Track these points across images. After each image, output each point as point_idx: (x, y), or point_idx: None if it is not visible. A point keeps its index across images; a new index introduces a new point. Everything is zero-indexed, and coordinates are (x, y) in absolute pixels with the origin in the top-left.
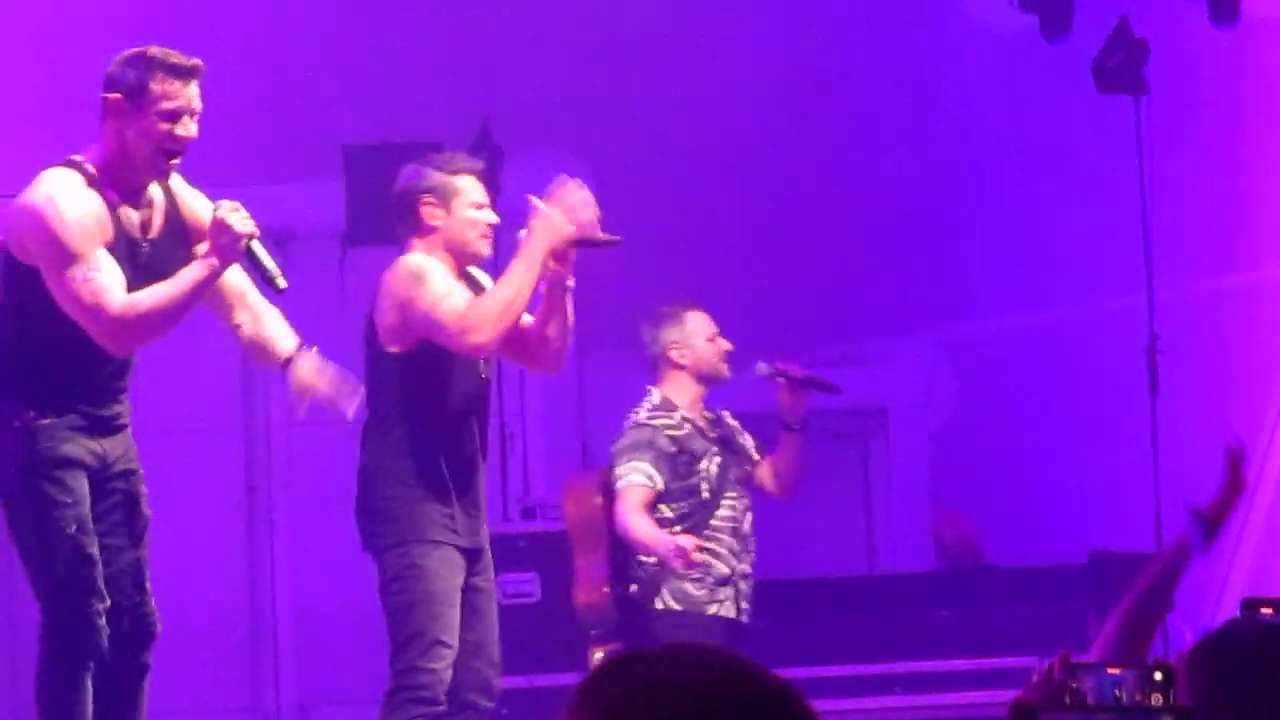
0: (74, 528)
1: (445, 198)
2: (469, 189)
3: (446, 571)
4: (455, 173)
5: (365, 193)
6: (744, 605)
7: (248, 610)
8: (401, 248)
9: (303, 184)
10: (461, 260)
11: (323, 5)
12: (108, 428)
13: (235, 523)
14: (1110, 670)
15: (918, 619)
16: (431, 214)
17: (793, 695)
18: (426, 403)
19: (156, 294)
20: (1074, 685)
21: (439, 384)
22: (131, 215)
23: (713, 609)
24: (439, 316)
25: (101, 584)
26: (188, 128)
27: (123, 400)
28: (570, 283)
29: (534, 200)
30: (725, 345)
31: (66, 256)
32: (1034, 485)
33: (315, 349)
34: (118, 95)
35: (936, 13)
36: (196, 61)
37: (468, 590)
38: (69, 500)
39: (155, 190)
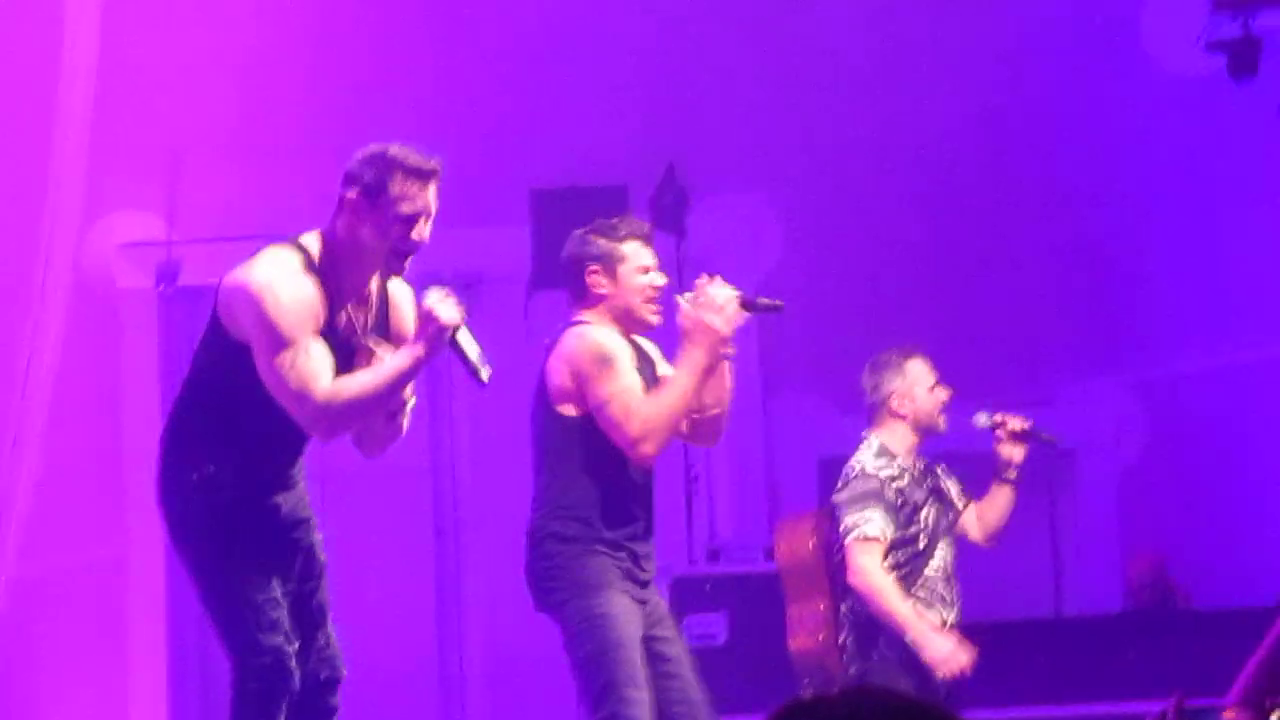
0: (256, 574)
1: (611, 266)
2: (635, 254)
3: (627, 618)
4: (621, 239)
5: (552, 237)
6: None
7: (436, 652)
8: (568, 313)
9: (490, 229)
10: (629, 327)
11: (511, 53)
12: (284, 487)
13: (424, 565)
14: (1225, 714)
15: (1106, 661)
16: (598, 283)
17: None
18: (595, 465)
19: (360, 381)
20: None
21: (609, 447)
22: (347, 308)
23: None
24: (613, 415)
25: (288, 627)
26: (422, 231)
27: (300, 462)
28: (730, 350)
29: (683, 303)
30: (944, 395)
31: (278, 340)
32: (1226, 527)
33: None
34: (356, 192)
35: (1124, 57)
36: (436, 164)
37: (655, 643)
38: (249, 548)
39: (372, 283)
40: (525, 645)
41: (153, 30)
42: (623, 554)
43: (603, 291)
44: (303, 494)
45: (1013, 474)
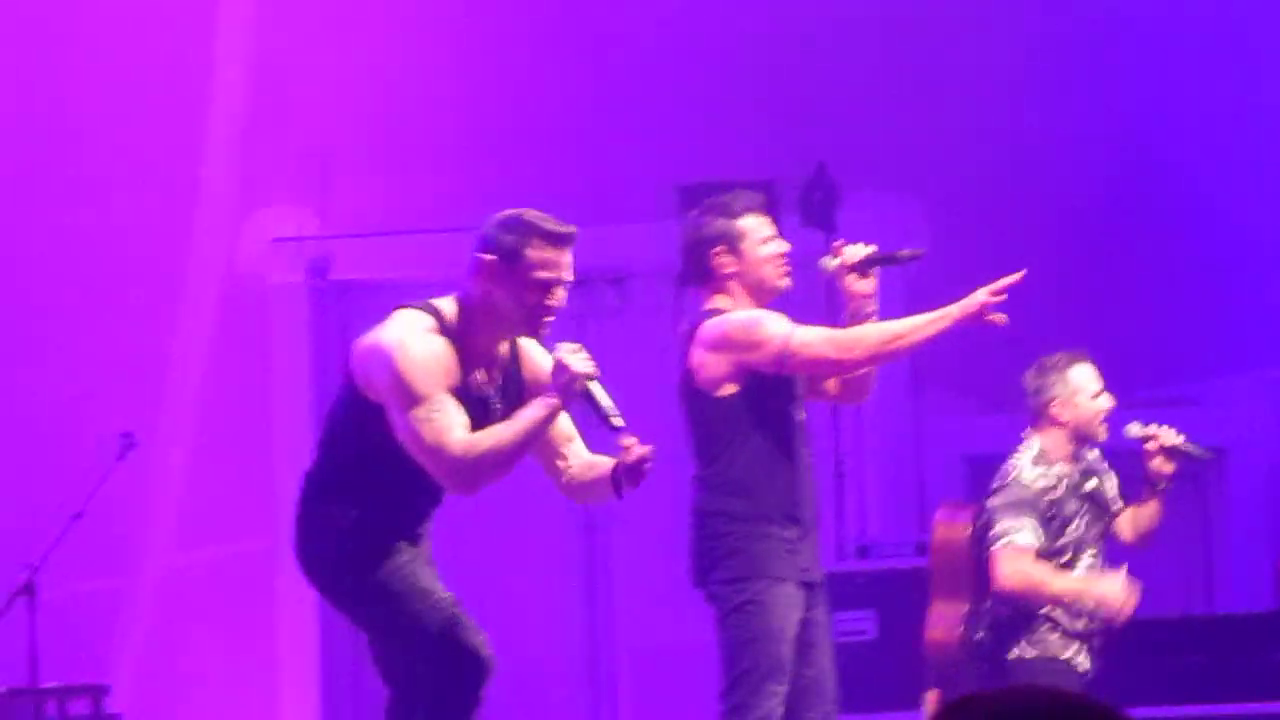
0: (409, 579)
1: (734, 243)
2: (755, 227)
3: (784, 608)
4: (737, 214)
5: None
6: (1096, 661)
7: (586, 645)
8: (697, 301)
9: (639, 224)
10: (761, 300)
11: (659, 50)
12: (412, 543)
13: (575, 559)
14: None
15: (1258, 659)
16: (724, 263)
17: None
18: (758, 442)
19: (495, 434)
20: None
21: (769, 422)
22: (479, 370)
23: (1066, 654)
24: (800, 347)
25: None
26: (558, 297)
27: (428, 525)
28: (873, 307)
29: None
30: (1106, 404)
31: (413, 397)
32: None
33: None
34: (493, 257)
35: (1258, 73)
36: (572, 229)
37: (805, 625)
38: (394, 562)
39: (502, 344)
40: (674, 639)
41: (307, 28)
42: (790, 534)
43: (730, 270)
44: (427, 550)
45: (1164, 485)
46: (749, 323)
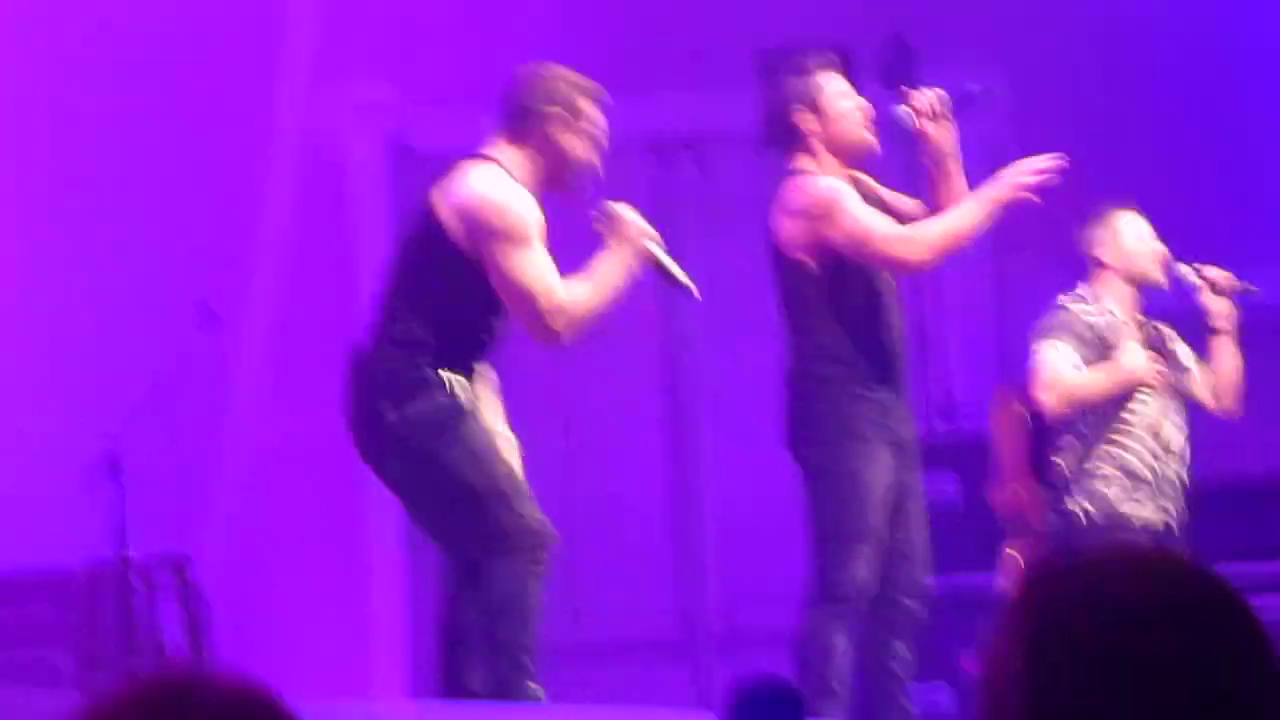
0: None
1: (813, 100)
2: (831, 82)
3: (873, 471)
4: (811, 71)
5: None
6: (1173, 513)
7: (675, 514)
8: (786, 160)
9: (718, 91)
10: (849, 157)
11: None
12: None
13: (661, 429)
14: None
15: None
16: (806, 121)
17: (1236, 597)
18: (846, 307)
19: (588, 289)
20: None
21: (856, 287)
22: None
23: (1127, 507)
24: (879, 244)
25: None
26: (598, 155)
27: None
28: (955, 162)
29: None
30: (1158, 248)
31: (520, 245)
32: None
33: None
34: (557, 109)
35: None
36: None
37: (897, 489)
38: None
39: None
40: (760, 506)
41: None
42: (882, 395)
43: (812, 128)
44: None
45: (1223, 324)
46: (828, 199)
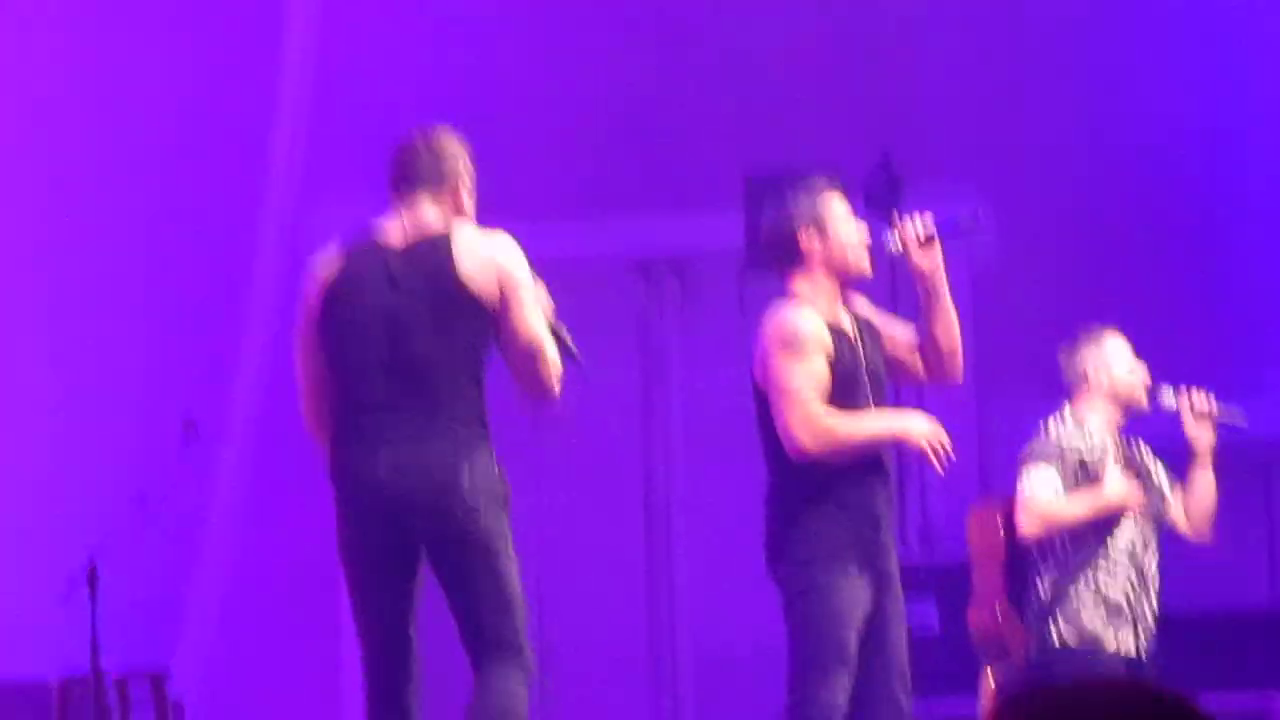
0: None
1: (821, 222)
2: (839, 209)
3: (852, 593)
4: (823, 196)
5: (761, 219)
6: (1144, 644)
7: (646, 633)
8: (783, 283)
9: (704, 215)
10: (844, 281)
11: (725, 43)
12: None
13: (636, 546)
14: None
15: None
16: (810, 240)
17: None
18: None
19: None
20: None
21: (848, 401)
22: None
23: (1110, 644)
24: (782, 406)
25: None
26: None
27: None
28: (942, 284)
29: (895, 241)
30: (1141, 372)
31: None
32: None
33: None
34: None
35: None
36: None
37: (877, 615)
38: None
39: None
40: (737, 630)
41: (374, 21)
42: (863, 519)
43: (816, 249)
44: None
45: (1203, 449)
46: (782, 341)
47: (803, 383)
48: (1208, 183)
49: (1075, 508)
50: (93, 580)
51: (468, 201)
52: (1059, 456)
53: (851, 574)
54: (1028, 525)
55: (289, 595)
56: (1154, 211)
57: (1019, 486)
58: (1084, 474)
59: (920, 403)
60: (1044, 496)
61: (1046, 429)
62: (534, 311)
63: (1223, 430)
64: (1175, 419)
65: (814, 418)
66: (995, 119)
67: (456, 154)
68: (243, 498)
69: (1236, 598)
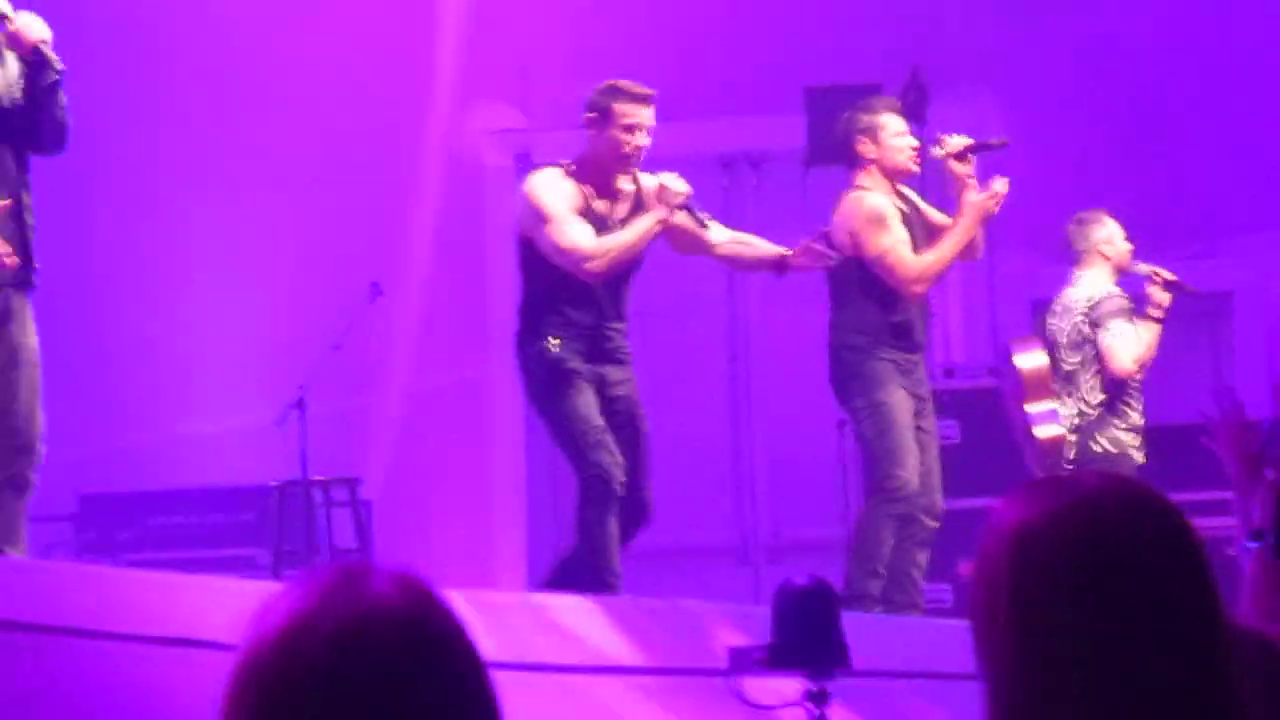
0: (585, 413)
1: (875, 134)
2: (890, 123)
3: (903, 407)
4: (877, 112)
5: (822, 124)
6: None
7: (730, 455)
8: (850, 176)
9: (772, 117)
10: (895, 178)
11: None
12: (605, 356)
13: (720, 384)
14: None
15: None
16: (866, 149)
17: (1190, 526)
18: (877, 290)
19: (619, 237)
20: None
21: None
22: (600, 203)
23: (1133, 452)
24: (890, 264)
25: (613, 449)
26: (640, 139)
27: (614, 336)
28: (973, 184)
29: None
30: (1130, 246)
31: (545, 217)
32: None
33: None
34: (594, 115)
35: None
36: (649, 91)
37: (915, 430)
38: (580, 397)
39: (625, 183)
40: (804, 450)
41: None
42: (899, 357)
43: (871, 155)
44: (630, 374)
45: (1158, 313)
46: (871, 218)
47: (894, 243)
48: (1176, 94)
49: (1150, 335)
50: (302, 406)
51: (601, 138)
52: (1128, 311)
53: (900, 395)
54: (1125, 364)
55: (450, 420)
56: (1133, 115)
57: (1107, 333)
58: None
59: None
60: (1133, 344)
61: (1099, 291)
62: (545, 229)
63: (1179, 298)
64: (1138, 284)
65: (914, 264)
66: (1006, 34)
67: (590, 102)
68: (415, 343)
69: (1188, 412)
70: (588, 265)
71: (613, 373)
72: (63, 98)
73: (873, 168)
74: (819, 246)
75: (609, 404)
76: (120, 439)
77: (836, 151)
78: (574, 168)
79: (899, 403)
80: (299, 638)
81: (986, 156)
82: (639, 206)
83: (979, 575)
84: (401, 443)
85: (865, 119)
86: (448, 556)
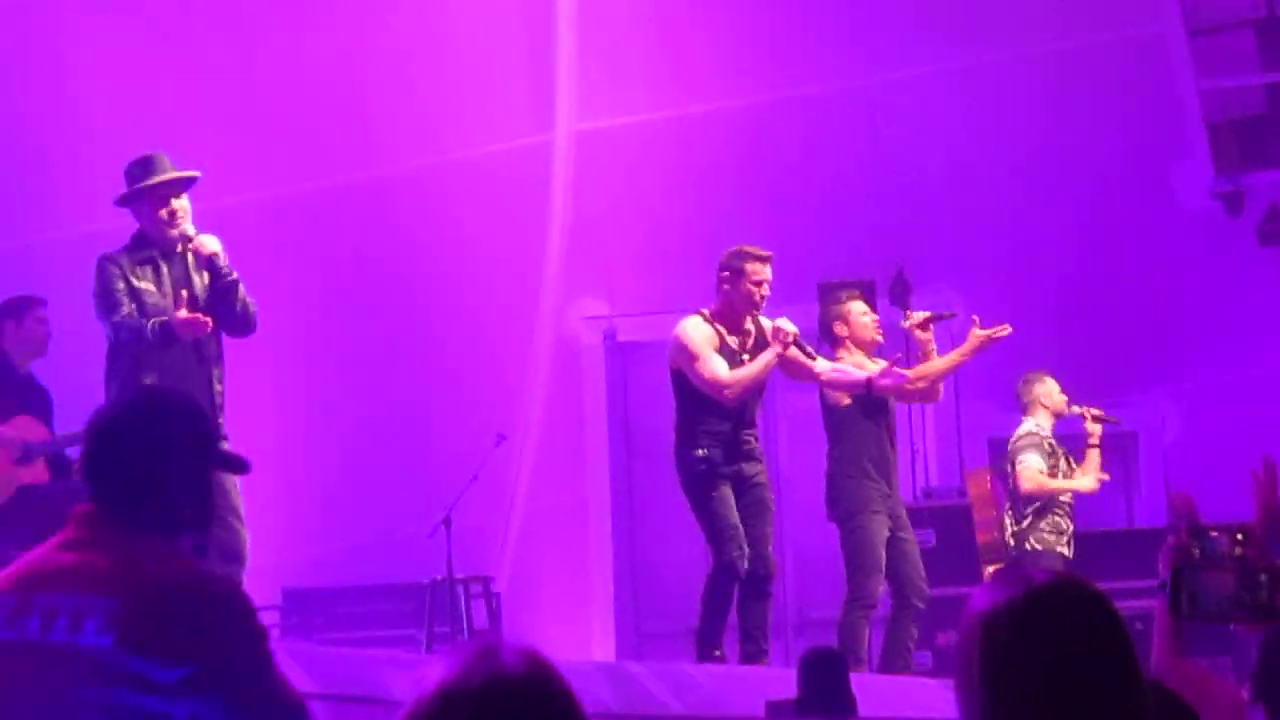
0: (724, 511)
1: (844, 318)
2: (855, 306)
3: (879, 528)
4: (843, 301)
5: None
6: (1071, 550)
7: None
8: (833, 348)
9: (794, 305)
10: (866, 350)
11: (805, 193)
12: (749, 459)
13: None
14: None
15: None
16: (840, 329)
17: (1112, 608)
18: (861, 434)
19: (747, 369)
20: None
21: (866, 423)
22: (731, 339)
23: (1059, 548)
24: (848, 382)
25: (743, 540)
26: (765, 290)
27: (749, 440)
28: (933, 348)
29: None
30: (1065, 397)
31: (694, 355)
32: (1230, 477)
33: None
34: (728, 273)
35: (1161, 194)
36: (770, 254)
37: (896, 540)
38: (721, 494)
39: (748, 323)
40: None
41: (613, 175)
42: (880, 485)
43: (844, 335)
44: (761, 461)
45: (1095, 441)
46: (843, 383)
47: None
48: (1094, 284)
49: (1058, 487)
50: (448, 524)
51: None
52: (1039, 446)
53: (878, 516)
54: (1029, 484)
55: (557, 530)
56: (1062, 299)
57: (1018, 463)
58: (1049, 451)
59: (924, 414)
60: (1036, 470)
61: (1026, 429)
62: (694, 364)
63: (1106, 427)
64: (1079, 422)
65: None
66: (966, 244)
67: (722, 263)
68: (530, 476)
69: (1106, 520)
70: (726, 392)
71: (748, 468)
72: (241, 292)
73: (847, 343)
74: (897, 369)
75: (747, 491)
76: (313, 547)
77: (824, 333)
78: (710, 313)
79: (875, 524)
80: (450, 696)
81: (949, 326)
82: (759, 342)
83: (960, 647)
84: (521, 549)
85: (835, 309)
86: (556, 634)
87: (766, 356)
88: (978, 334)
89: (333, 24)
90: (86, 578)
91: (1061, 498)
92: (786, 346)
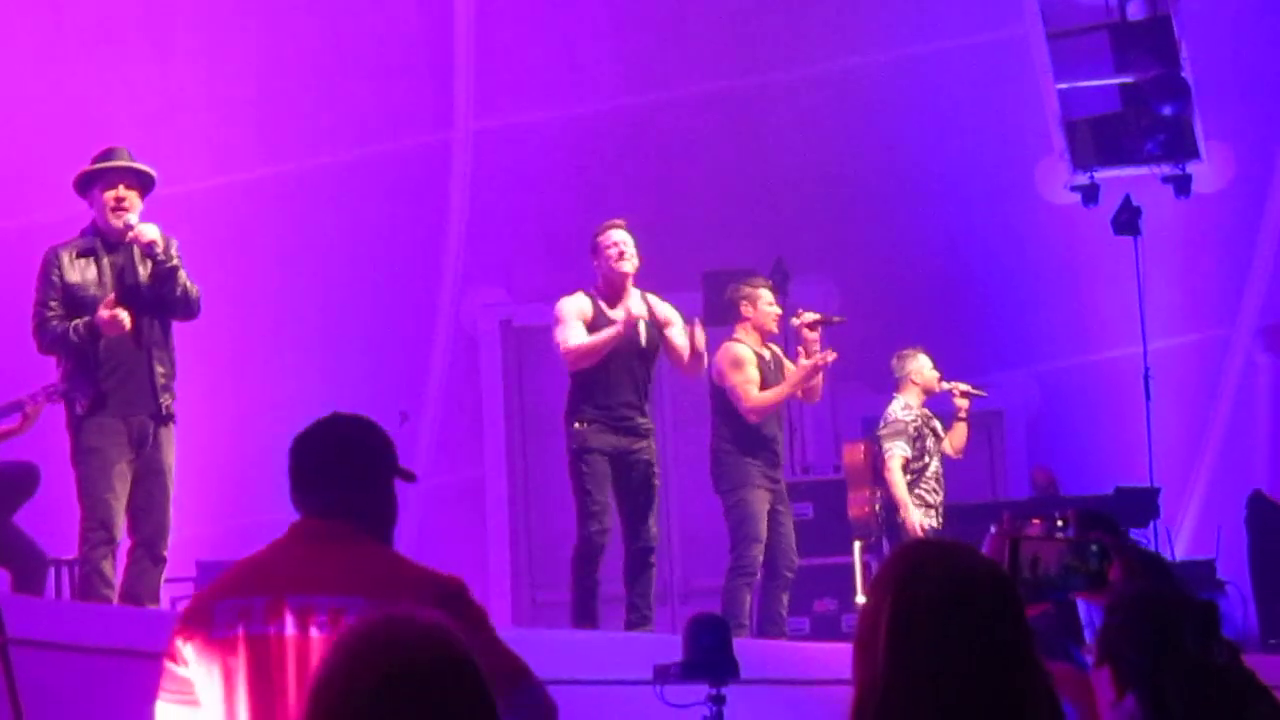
0: (590, 484)
1: (753, 300)
2: (764, 294)
3: (759, 502)
4: (756, 285)
5: (714, 297)
6: (940, 523)
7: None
8: (730, 330)
9: (675, 293)
10: (765, 335)
11: (689, 182)
12: (624, 429)
13: None
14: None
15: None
16: (745, 310)
17: (1002, 574)
18: (744, 420)
19: (592, 338)
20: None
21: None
22: (613, 312)
23: (928, 521)
24: (735, 396)
25: (604, 516)
26: (624, 254)
27: (631, 415)
28: (817, 347)
29: (802, 327)
30: (938, 374)
31: (557, 320)
32: (1088, 451)
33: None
34: (592, 252)
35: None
36: (619, 220)
37: (774, 514)
38: (591, 471)
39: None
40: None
41: (510, 174)
42: (761, 462)
43: (748, 315)
44: (648, 440)
45: (964, 415)
46: (734, 361)
47: (743, 380)
48: (959, 274)
49: (901, 498)
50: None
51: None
52: (905, 432)
53: (758, 491)
54: (890, 475)
55: (456, 507)
56: (932, 288)
57: (886, 449)
58: (915, 435)
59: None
60: (899, 464)
61: (893, 413)
62: (555, 333)
63: (973, 401)
64: (948, 396)
65: (753, 398)
66: (841, 235)
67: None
68: (431, 453)
69: (973, 494)
70: (567, 356)
71: (630, 442)
72: (182, 278)
73: (748, 324)
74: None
75: (630, 466)
76: (226, 521)
77: (724, 315)
78: (593, 291)
79: (756, 498)
80: (350, 692)
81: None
82: (778, 364)
83: (866, 609)
84: (421, 522)
85: (747, 289)
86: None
87: (609, 331)
88: (803, 363)
89: (243, 24)
90: (335, 579)
91: (928, 471)
92: (630, 326)
